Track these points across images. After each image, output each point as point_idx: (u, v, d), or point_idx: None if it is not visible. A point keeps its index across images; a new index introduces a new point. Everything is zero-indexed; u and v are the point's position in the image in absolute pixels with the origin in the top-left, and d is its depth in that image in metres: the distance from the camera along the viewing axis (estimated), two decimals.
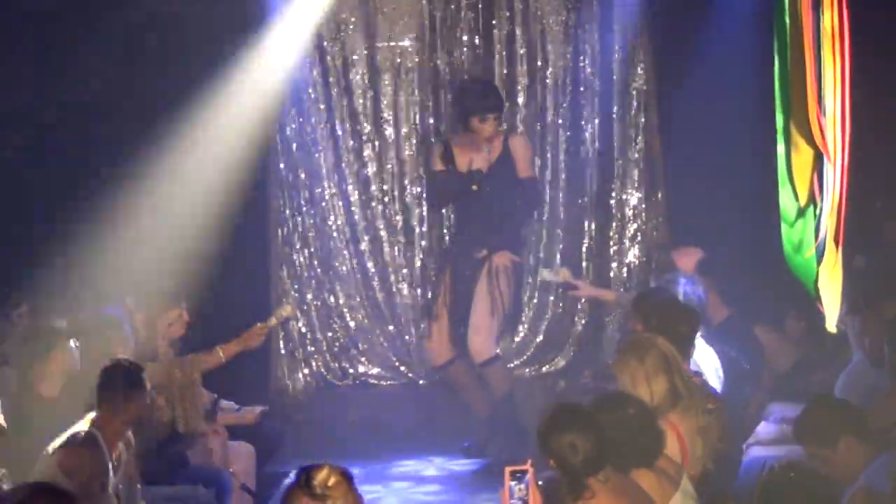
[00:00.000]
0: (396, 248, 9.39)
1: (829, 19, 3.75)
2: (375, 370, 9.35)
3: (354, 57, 9.33)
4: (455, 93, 8.36)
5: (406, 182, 9.36)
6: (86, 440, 5.26)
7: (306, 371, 9.32)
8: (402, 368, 9.32)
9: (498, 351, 7.70)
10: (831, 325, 3.93)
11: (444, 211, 8.86)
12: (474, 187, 7.29)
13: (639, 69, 9.32)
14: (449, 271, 7.58)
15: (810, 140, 3.79)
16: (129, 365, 5.71)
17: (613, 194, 9.41)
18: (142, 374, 5.58)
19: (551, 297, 9.43)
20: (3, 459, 5.31)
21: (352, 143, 9.33)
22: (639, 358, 5.16)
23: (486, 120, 7.25)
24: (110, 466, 5.32)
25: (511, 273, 7.42)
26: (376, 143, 9.36)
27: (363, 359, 9.37)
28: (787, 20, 3.81)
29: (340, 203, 9.38)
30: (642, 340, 5.29)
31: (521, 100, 9.35)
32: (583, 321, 9.42)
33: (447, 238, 8.51)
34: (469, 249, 7.46)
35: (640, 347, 5.22)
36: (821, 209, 3.79)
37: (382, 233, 9.38)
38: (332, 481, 3.44)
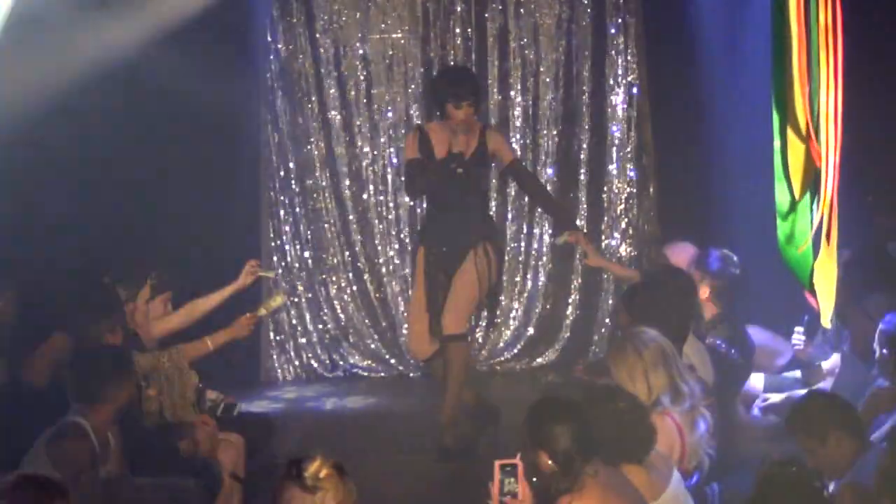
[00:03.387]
0: (388, 239, 9.39)
1: (822, 15, 3.75)
2: (366, 362, 9.35)
3: (347, 48, 9.32)
4: (431, 80, 8.28)
5: (398, 174, 9.35)
6: (74, 430, 5.24)
7: (296, 363, 9.32)
8: (393, 361, 9.32)
9: (465, 331, 7.38)
10: (826, 320, 3.93)
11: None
12: (459, 170, 7.05)
13: (632, 63, 9.31)
14: (426, 264, 7.28)
15: (803, 137, 3.80)
16: (117, 352, 5.69)
17: (605, 188, 9.41)
18: (129, 362, 5.55)
19: (542, 291, 9.45)
20: None
21: (344, 134, 9.32)
22: (637, 352, 5.15)
23: (461, 106, 7.01)
24: (99, 456, 5.30)
25: (497, 261, 7.27)
26: (368, 134, 9.35)
27: (353, 351, 9.37)
28: (783, 16, 3.81)
29: (332, 194, 9.37)
30: (639, 334, 5.27)
31: (513, 93, 9.35)
32: (574, 315, 9.43)
33: (419, 230, 8.13)
34: (446, 243, 7.20)
35: (637, 341, 5.20)
36: (814, 204, 3.79)
37: (374, 224, 9.38)
38: (323, 473, 3.43)
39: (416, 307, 7.35)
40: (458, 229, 7.16)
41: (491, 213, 7.64)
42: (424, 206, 7.73)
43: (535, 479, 4.37)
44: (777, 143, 3.88)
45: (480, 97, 7.38)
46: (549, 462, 4.37)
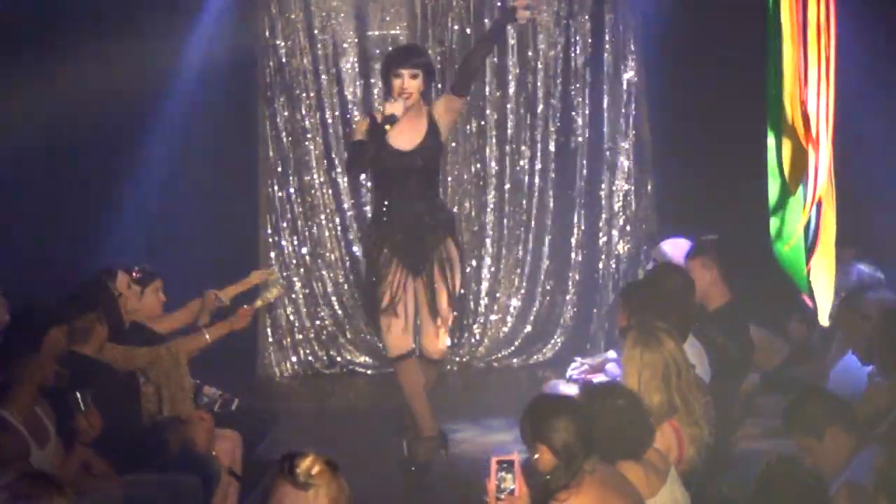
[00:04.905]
0: None
1: (814, 12, 3.74)
2: (363, 358, 9.35)
3: (345, 45, 9.32)
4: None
5: None
6: None
7: (294, 359, 9.32)
8: None
9: (445, 356, 7.14)
10: (824, 319, 3.92)
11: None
12: (387, 127, 6.60)
13: (630, 60, 9.31)
14: (394, 259, 6.84)
15: (793, 133, 3.79)
16: (16, 333, 5.54)
17: (603, 185, 9.41)
18: (33, 338, 5.36)
19: (540, 288, 9.45)
20: None
21: (342, 131, 9.32)
22: (641, 356, 5.08)
23: (400, 75, 6.61)
24: (31, 442, 5.17)
25: (459, 256, 6.92)
26: None
27: (350, 347, 9.37)
28: (777, 12, 3.80)
29: (329, 191, 9.37)
30: (649, 338, 5.18)
31: (511, 89, 9.35)
32: (571, 312, 9.43)
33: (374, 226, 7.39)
34: (407, 240, 6.80)
35: (647, 346, 5.12)
36: (804, 201, 3.79)
37: None
38: (316, 469, 3.41)
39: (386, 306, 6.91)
40: (417, 224, 6.81)
41: (444, 201, 7.25)
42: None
43: (546, 477, 4.35)
44: (769, 140, 3.87)
45: (427, 71, 6.80)
46: (550, 457, 4.36)
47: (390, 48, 9.26)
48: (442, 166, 7.13)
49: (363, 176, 8.33)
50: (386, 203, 6.88)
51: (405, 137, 6.76)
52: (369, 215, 9.01)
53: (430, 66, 6.89)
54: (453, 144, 9.11)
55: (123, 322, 6.31)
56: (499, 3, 9.27)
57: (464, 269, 7.10)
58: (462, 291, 6.98)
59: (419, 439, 6.89)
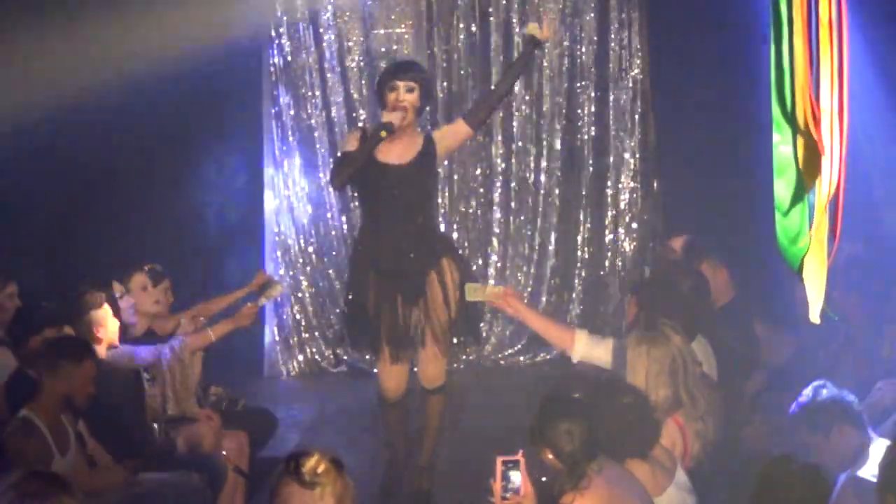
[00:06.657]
0: None
1: (825, 8, 3.73)
2: (369, 357, 9.34)
3: (350, 43, 9.33)
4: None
5: None
6: (20, 427, 5.14)
7: (300, 358, 9.32)
8: None
9: (445, 381, 6.67)
10: (814, 316, 3.91)
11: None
12: (383, 134, 6.23)
13: (636, 58, 9.31)
14: (377, 291, 6.46)
15: (804, 130, 3.78)
16: (47, 341, 5.54)
17: (609, 183, 9.41)
18: (71, 344, 5.38)
19: (546, 286, 9.45)
20: None
21: (347, 129, 9.32)
22: (648, 352, 5.08)
23: (396, 87, 6.30)
24: (54, 448, 5.20)
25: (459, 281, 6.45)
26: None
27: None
28: (784, 8, 3.79)
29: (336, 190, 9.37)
30: (654, 334, 5.18)
31: (517, 87, 9.34)
32: (578, 310, 9.43)
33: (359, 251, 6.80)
34: (397, 265, 6.39)
35: (653, 342, 5.12)
36: (819, 200, 3.78)
37: None
38: (321, 468, 3.42)
39: (381, 339, 6.56)
40: (406, 248, 6.41)
41: (440, 225, 6.91)
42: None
43: (543, 479, 4.36)
44: (776, 138, 3.86)
45: (423, 86, 6.44)
46: (555, 461, 4.37)
47: (394, 46, 9.34)
48: (437, 194, 6.69)
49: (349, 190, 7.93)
50: (373, 225, 6.52)
51: (395, 152, 6.42)
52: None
53: (426, 81, 6.57)
54: None
55: (122, 322, 6.32)
56: (503, 1, 9.29)
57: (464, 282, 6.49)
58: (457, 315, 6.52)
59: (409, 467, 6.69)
